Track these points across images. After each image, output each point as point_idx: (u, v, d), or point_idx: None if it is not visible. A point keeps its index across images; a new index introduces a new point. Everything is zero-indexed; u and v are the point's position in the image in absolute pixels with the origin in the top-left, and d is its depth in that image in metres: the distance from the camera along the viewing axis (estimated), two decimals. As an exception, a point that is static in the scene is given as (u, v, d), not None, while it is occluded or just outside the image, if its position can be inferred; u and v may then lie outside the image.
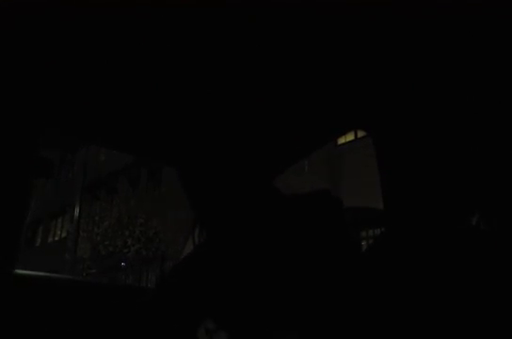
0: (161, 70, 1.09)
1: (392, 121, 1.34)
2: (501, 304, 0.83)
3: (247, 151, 1.26)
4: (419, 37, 1.00)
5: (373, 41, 1.02)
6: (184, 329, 0.94)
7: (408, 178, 1.27)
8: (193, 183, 1.09)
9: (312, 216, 0.99)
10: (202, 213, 1.10)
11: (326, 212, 1.00)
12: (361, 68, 1.12)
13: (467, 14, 0.92)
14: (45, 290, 1.46)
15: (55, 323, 1.38)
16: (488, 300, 0.84)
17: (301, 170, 8.98)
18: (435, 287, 0.89)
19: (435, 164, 1.20)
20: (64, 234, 17.25)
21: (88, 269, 12.92)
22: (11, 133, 1.01)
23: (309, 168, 9.24)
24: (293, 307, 0.87)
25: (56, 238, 18.03)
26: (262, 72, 1.13)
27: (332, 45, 1.03)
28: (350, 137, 8.90)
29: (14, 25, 0.91)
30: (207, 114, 1.30)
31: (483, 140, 1.13)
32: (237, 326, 0.89)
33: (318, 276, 0.90)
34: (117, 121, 1.32)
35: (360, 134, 8.51)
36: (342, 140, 9.12)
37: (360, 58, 1.08)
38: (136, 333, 1.08)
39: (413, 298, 0.89)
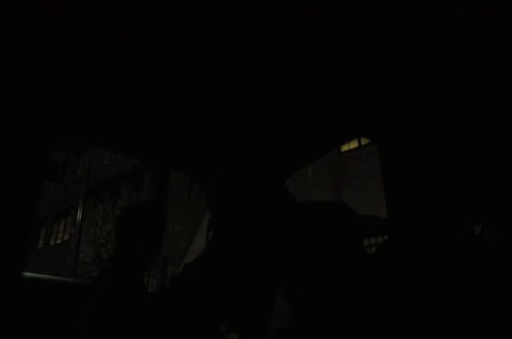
0: (174, 76, 1.11)
1: (397, 129, 1.34)
2: (501, 310, 0.84)
3: (259, 157, 1.28)
4: (423, 45, 1.01)
5: (378, 51, 1.03)
6: (193, 329, 0.96)
7: (412, 186, 1.27)
8: (211, 188, 1.13)
9: (327, 223, 1.03)
10: (219, 213, 1.14)
11: (340, 220, 1.04)
12: (367, 76, 1.14)
13: (468, 18, 0.93)
14: (48, 292, 1.47)
15: (56, 324, 1.38)
16: (488, 305, 0.85)
17: (305, 177, 8.97)
18: (437, 292, 0.90)
19: (439, 172, 1.21)
20: (66, 237, 17.23)
21: (89, 273, 12.88)
22: (25, 137, 1.03)
23: (312, 174, 9.23)
24: (300, 307, 0.89)
25: (59, 241, 18.01)
26: (272, 84, 1.14)
27: (339, 54, 1.05)
28: (354, 144, 8.89)
29: (28, 35, 0.94)
30: (218, 122, 1.32)
31: (488, 149, 1.13)
32: (246, 327, 0.91)
33: (327, 280, 0.92)
34: (128, 125, 1.33)
35: (364, 142, 8.50)
36: (345, 148, 9.11)
37: (365, 66, 1.09)
38: (139, 335, 1.09)
39: (415, 303, 0.90)
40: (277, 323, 1.02)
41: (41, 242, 18.89)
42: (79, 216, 12.65)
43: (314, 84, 1.16)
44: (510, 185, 1.06)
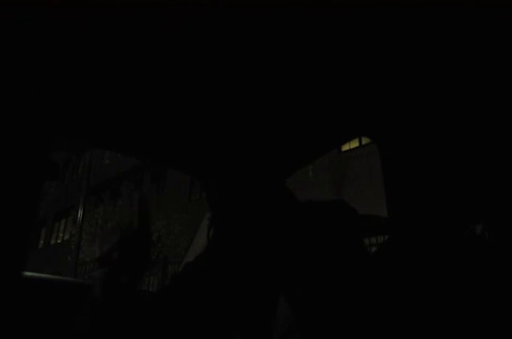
0: (174, 76, 1.11)
1: (398, 128, 1.35)
2: (502, 310, 0.84)
3: (259, 156, 1.28)
4: (423, 45, 1.02)
5: (378, 51, 1.03)
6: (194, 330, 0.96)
7: (412, 186, 1.27)
8: (212, 187, 1.14)
9: (327, 222, 1.03)
10: (219, 213, 1.15)
11: (341, 220, 1.05)
12: (367, 75, 1.14)
13: (468, 17, 0.94)
14: (48, 292, 1.47)
15: (57, 324, 1.39)
16: (489, 305, 0.85)
17: (305, 176, 8.97)
18: (438, 292, 0.90)
19: (440, 172, 1.21)
20: (67, 237, 17.26)
21: (89, 272, 12.90)
22: (25, 137, 1.03)
23: (313, 173, 9.23)
24: (300, 307, 0.89)
25: (59, 241, 18.04)
26: (272, 84, 1.15)
27: (339, 54, 1.05)
28: (355, 144, 8.90)
29: (30, 36, 0.94)
30: (218, 122, 1.32)
31: (488, 149, 1.13)
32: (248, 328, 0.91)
33: (327, 280, 0.92)
34: (128, 125, 1.34)
35: (365, 141, 8.50)
36: (346, 147, 9.11)
37: (365, 66, 1.10)
38: (139, 334, 1.09)
39: (416, 303, 0.90)
40: (280, 325, 1.02)
41: (42, 242, 18.90)
42: (80, 215, 12.66)
43: (314, 84, 1.17)
44: (511, 184, 1.06)
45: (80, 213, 12.83)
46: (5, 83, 1.00)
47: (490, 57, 1.04)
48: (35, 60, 1.02)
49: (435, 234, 1.09)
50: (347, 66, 1.10)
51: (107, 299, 1.13)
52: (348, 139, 1.57)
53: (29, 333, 1.29)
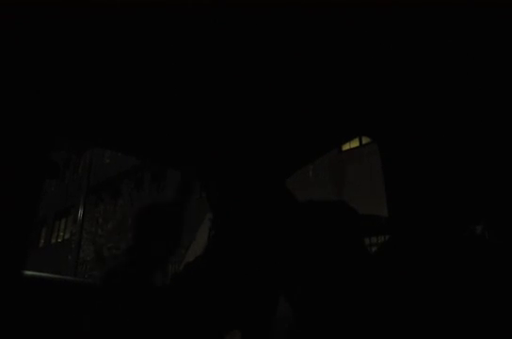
0: (174, 76, 1.12)
1: (399, 128, 1.35)
2: (501, 309, 0.84)
3: (259, 156, 1.29)
4: (423, 45, 1.02)
5: (378, 51, 1.03)
6: (195, 328, 0.97)
7: (413, 185, 1.27)
8: (212, 188, 1.14)
9: (328, 223, 1.04)
10: (220, 213, 1.15)
11: (341, 220, 1.05)
12: (368, 75, 1.14)
13: (468, 17, 0.94)
14: (49, 291, 1.47)
15: (57, 323, 1.39)
16: (489, 305, 0.85)
17: (305, 176, 8.97)
18: (437, 292, 0.90)
19: (441, 172, 1.21)
20: (67, 236, 17.26)
21: (89, 271, 12.91)
22: (25, 137, 1.03)
23: (313, 173, 9.23)
24: (300, 307, 0.89)
25: (60, 240, 18.04)
26: (272, 84, 1.15)
27: (339, 54, 1.05)
28: (355, 143, 8.88)
29: (32, 38, 0.94)
30: (218, 122, 1.32)
31: (488, 149, 1.13)
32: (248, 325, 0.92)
33: (327, 280, 0.92)
34: (128, 125, 1.34)
35: (365, 141, 8.49)
36: (346, 147, 9.10)
37: (365, 66, 1.10)
38: (140, 333, 1.09)
39: (416, 302, 0.90)
40: (280, 324, 1.03)
41: (42, 241, 18.89)
42: (80, 214, 12.67)
43: (315, 84, 1.17)
44: (511, 184, 1.06)
45: (80, 212, 12.84)
46: (5, 83, 1.00)
47: (490, 57, 1.04)
48: (35, 60, 1.02)
49: (435, 234, 1.09)
50: (347, 66, 1.10)
51: (123, 289, 1.13)
52: (348, 139, 1.58)
53: (30, 332, 1.29)
